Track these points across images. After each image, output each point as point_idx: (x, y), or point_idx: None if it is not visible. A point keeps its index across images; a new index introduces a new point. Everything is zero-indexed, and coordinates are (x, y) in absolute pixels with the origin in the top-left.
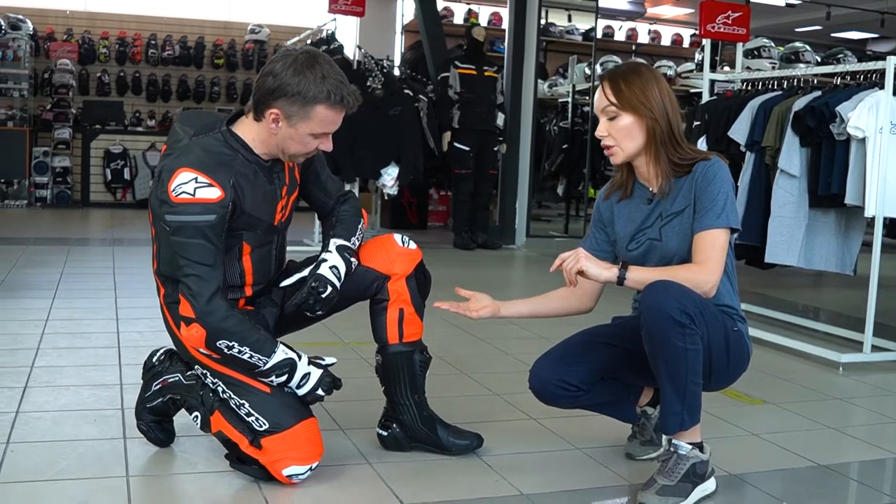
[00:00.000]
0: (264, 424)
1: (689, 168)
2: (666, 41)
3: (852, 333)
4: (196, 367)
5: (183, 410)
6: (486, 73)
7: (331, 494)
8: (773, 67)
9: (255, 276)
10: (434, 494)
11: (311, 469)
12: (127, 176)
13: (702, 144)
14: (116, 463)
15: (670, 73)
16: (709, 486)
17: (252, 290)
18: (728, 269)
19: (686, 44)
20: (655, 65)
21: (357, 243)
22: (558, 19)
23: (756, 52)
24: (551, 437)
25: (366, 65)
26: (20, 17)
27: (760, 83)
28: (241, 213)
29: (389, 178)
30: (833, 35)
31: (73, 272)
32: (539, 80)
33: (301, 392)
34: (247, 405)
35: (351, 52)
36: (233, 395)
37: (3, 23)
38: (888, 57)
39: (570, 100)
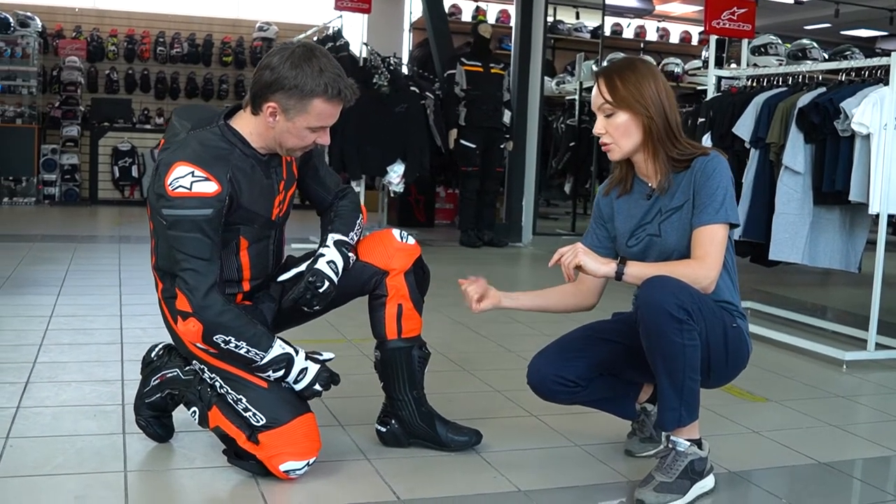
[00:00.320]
0: (261, 420)
1: (687, 163)
2: (674, 38)
3: (857, 331)
4: (194, 362)
5: (181, 406)
6: (493, 71)
7: (328, 490)
8: (781, 64)
9: (253, 271)
10: (431, 490)
11: (308, 464)
12: (135, 173)
13: (706, 141)
14: (115, 458)
15: (677, 70)
16: (707, 483)
17: (250, 285)
18: (728, 264)
19: (695, 41)
20: (663, 62)
21: (355, 238)
22: (566, 17)
23: (763, 49)
24: (551, 434)
25: (372, 62)
26: (29, 14)
27: (765, 79)
28: (238, 207)
29: (395, 175)
30: (842, 33)
31: (79, 269)
32: (547, 78)
33: (298, 387)
34: (244, 400)
35: (357, 49)
36: (230, 391)
37: (12, 20)
38: (893, 53)
39: (577, 97)
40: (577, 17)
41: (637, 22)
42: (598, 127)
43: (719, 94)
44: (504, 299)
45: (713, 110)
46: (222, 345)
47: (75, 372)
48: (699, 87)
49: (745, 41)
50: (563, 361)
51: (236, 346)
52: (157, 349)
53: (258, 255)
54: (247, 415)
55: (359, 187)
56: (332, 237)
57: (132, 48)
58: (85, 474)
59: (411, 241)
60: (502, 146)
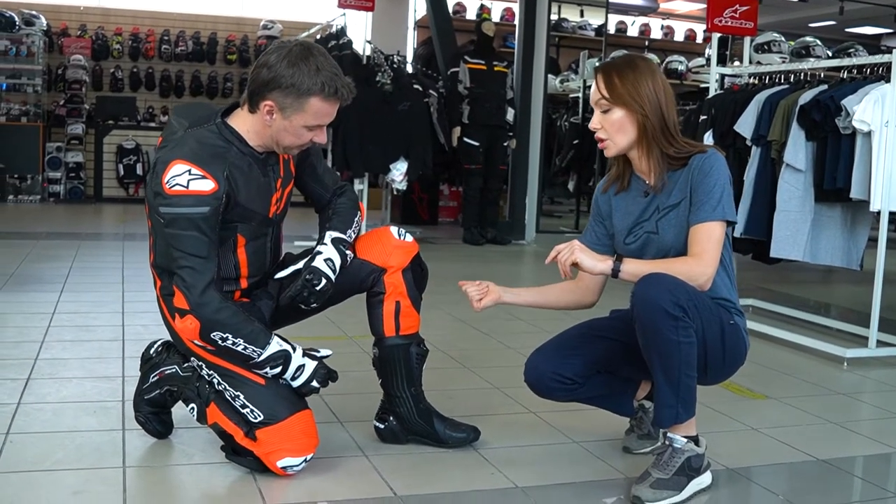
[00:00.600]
0: (259, 416)
1: (685, 161)
2: (679, 36)
3: (858, 328)
4: (192, 358)
5: (180, 402)
6: (496, 69)
7: (325, 486)
8: (784, 62)
9: (251, 269)
10: (428, 487)
11: (305, 461)
12: (139, 171)
13: (708, 138)
14: (114, 454)
15: (681, 68)
16: (704, 479)
17: (247, 283)
18: (725, 262)
19: (699, 39)
20: (667, 60)
21: (353, 236)
22: (571, 15)
23: (766, 47)
24: (549, 431)
25: (375, 60)
26: (34, 12)
27: (768, 77)
28: (235, 205)
29: (398, 173)
30: (847, 30)
31: (83, 266)
32: (551, 76)
33: (296, 384)
34: (242, 397)
35: (360, 47)
36: (228, 387)
37: (17, 18)
38: (894, 50)
39: (581, 95)
40: (582, 15)
41: (642, 20)
42: (595, 122)
43: (721, 91)
44: (504, 294)
45: (715, 108)
46: (220, 342)
47: (76, 368)
48: (703, 85)
49: (747, 39)
50: (561, 359)
51: (233, 343)
52: (155, 346)
53: (256, 253)
54: (244, 411)
55: (362, 185)
56: (330, 235)
57: (137, 46)
58: (84, 470)
59: (409, 238)
60: (506, 144)
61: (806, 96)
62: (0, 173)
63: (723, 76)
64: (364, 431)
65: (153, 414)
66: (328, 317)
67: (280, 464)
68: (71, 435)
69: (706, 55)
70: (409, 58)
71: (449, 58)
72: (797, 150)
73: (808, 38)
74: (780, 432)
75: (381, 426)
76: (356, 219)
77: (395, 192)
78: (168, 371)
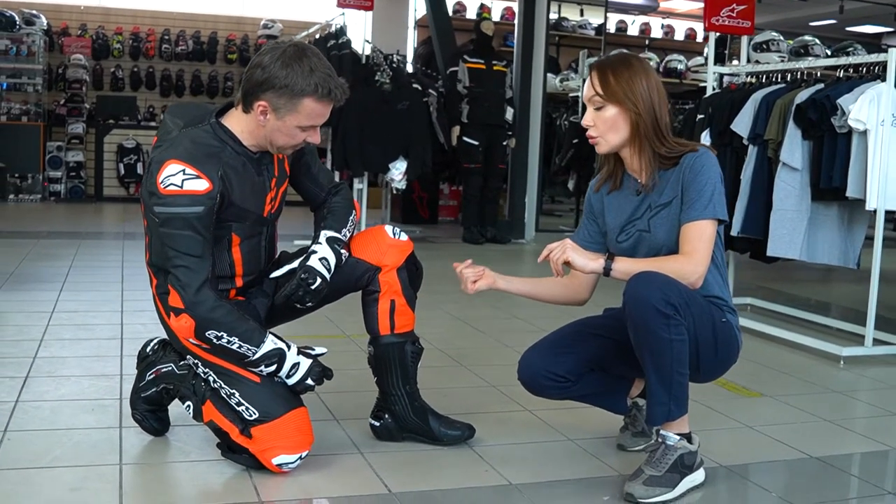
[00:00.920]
0: (254, 414)
1: (676, 160)
2: (679, 35)
3: (855, 327)
4: (188, 356)
5: (177, 400)
6: (496, 68)
7: (320, 483)
8: (783, 61)
9: (245, 267)
10: (423, 484)
11: (300, 458)
12: (140, 170)
13: (706, 137)
14: (111, 451)
15: (681, 67)
16: (697, 477)
17: (242, 281)
18: (717, 260)
19: (699, 38)
20: (666, 59)
21: (348, 235)
22: (571, 14)
23: (765, 46)
24: (544, 429)
25: (374, 59)
26: (34, 12)
27: (765, 76)
28: (229, 204)
29: (397, 172)
30: (847, 29)
31: (83, 265)
32: (550, 75)
33: (291, 382)
34: (237, 395)
35: (360, 46)
36: (223, 385)
37: (17, 18)
38: (889, 49)
39: (581, 94)
40: (582, 14)
41: (642, 19)
42: (588, 119)
43: (718, 90)
44: (498, 280)
45: (712, 107)
46: (214, 340)
47: (75, 367)
48: (702, 84)
49: (744, 38)
50: (553, 357)
51: (228, 342)
52: (152, 344)
53: (250, 252)
54: (240, 409)
55: (361, 184)
56: (325, 234)
57: (137, 46)
58: (81, 467)
59: (404, 237)
60: (505, 143)
61: (802, 95)
62: (1, 172)
63: (721, 75)
64: (360, 429)
65: (150, 412)
66: (327, 315)
67: (275, 461)
68: (69, 432)
69: (705, 54)
70: (410, 57)
71: (448, 57)
72: (793, 148)
73: (807, 37)
74: (775, 430)
75: (377, 424)
76: (351, 218)
77: (394, 192)
78: (164, 369)
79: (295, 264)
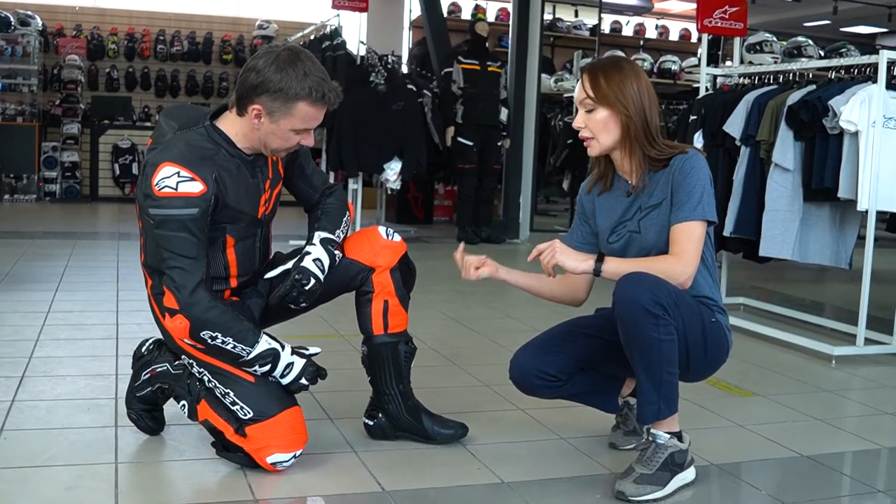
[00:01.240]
0: (249, 413)
1: (666, 162)
2: (674, 36)
3: (847, 327)
4: (183, 356)
5: (172, 399)
6: (490, 69)
7: (314, 481)
8: (776, 62)
9: (240, 268)
10: (416, 482)
11: (294, 457)
12: (135, 171)
13: (698, 138)
14: (106, 450)
15: (675, 67)
16: (688, 475)
17: (237, 282)
18: (707, 261)
19: (694, 38)
20: (660, 59)
21: (341, 236)
22: (565, 15)
23: (758, 47)
24: (537, 427)
25: (369, 60)
26: (29, 13)
27: (757, 77)
28: (223, 206)
29: (392, 172)
30: (842, 29)
31: (78, 265)
32: (545, 76)
33: (285, 381)
34: (231, 394)
35: (355, 47)
36: (218, 385)
37: (12, 18)
38: (880, 51)
39: (574, 95)
40: (576, 15)
41: (637, 19)
42: (578, 121)
43: (711, 92)
44: (501, 270)
45: (705, 108)
46: (209, 340)
47: (70, 366)
48: (695, 85)
49: (737, 39)
50: (544, 356)
51: (223, 342)
52: (147, 344)
53: (245, 253)
54: (234, 408)
55: (356, 185)
56: (319, 235)
57: (132, 46)
58: (77, 466)
59: (397, 238)
60: (499, 143)
61: (794, 97)
62: None
63: (714, 77)
64: (353, 428)
65: (145, 411)
66: (321, 315)
67: (270, 460)
68: (64, 432)
69: (699, 55)
70: (405, 58)
71: (443, 58)
72: (785, 149)
73: (801, 38)
74: (766, 429)
75: (371, 423)
76: (345, 219)
77: (389, 192)
78: (159, 369)
79: (289, 265)
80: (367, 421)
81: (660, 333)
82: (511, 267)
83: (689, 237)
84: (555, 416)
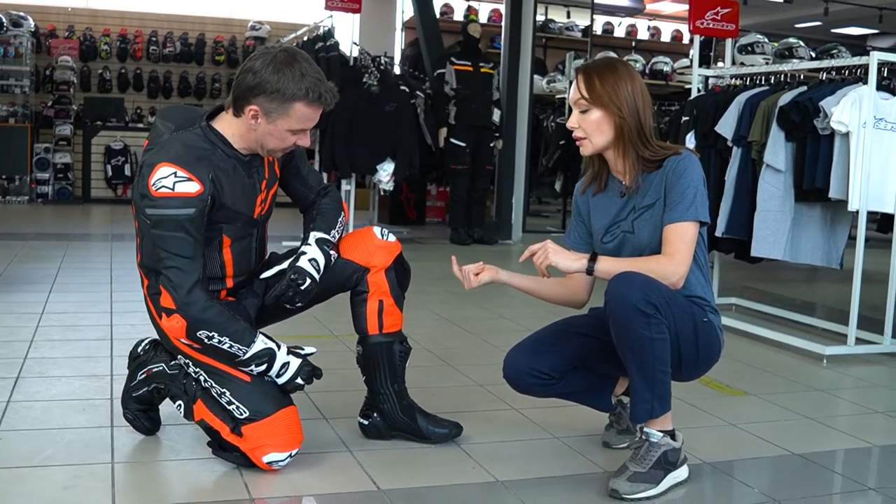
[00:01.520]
0: (245, 412)
1: (660, 163)
2: (666, 37)
3: (838, 326)
4: (179, 356)
5: (167, 399)
6: (483, 70)
7: (310, 481)
8: (768, 63)
9: (236, 268)
10: (411, 481)
11: (290, 456)
12: (128, 172)
13: (690, 139)
14: (103, 450)
15: (667, 68)
16: (681, 473)
17: (233, 282)
18: (700, 261)
19: (686, 40)
20: (653, 60)
21: (337, 236)
22: (558, 16)
23: (750, 48)
24: (531, 427)
25: (362, 61)
26: (22, 13)
27: (749, 78)
28: (220, 206)
29: (385, 173)
30: (833, 31)
31: (71, 266)
32: (537, 77)
33: (281, 381)
34: (228, 394)
35: (347, 48)
36: (214, 384)
37: (4, 20)
38: (871, 52)
39: (567, 96)
40: (569, 17)
41: (628, 21)
42: (573, 121)
43: (703, 93)
44: (501, 273)
45: (697, 109)
46: (206, 340)
47: (65, 367)
48: (687, 86)
49: (729, 40)
50: (537, 355)
51: (219, 342)
52: (143, 344)
53: (241, 253)
54: (231, 408)
55: (349, 186)
56: (314, 235)
57: (125, 47)
58: (73, 465)
59: (392, 238)
60: (492, 144)
61: (785, 98)
62: None
63: (706, 78)
64: (348, 427)
65: (141, 411)
66: (315, 316)
67: (266, 459)
68: (60, 432)
69: (690, 56)
70: (397, 59)
71: (435, 59)
72: (777, 150)
73: (792, 40)
74: (758, 428)
75: (365, 422)
76: (340, 219)
77: (382, 193)
78: (155, 369)
79: (285, 265)
80: (361, 420)
81: (651, 332)
82: (506, 268)
83: (682, 237)
84: (548, 415)
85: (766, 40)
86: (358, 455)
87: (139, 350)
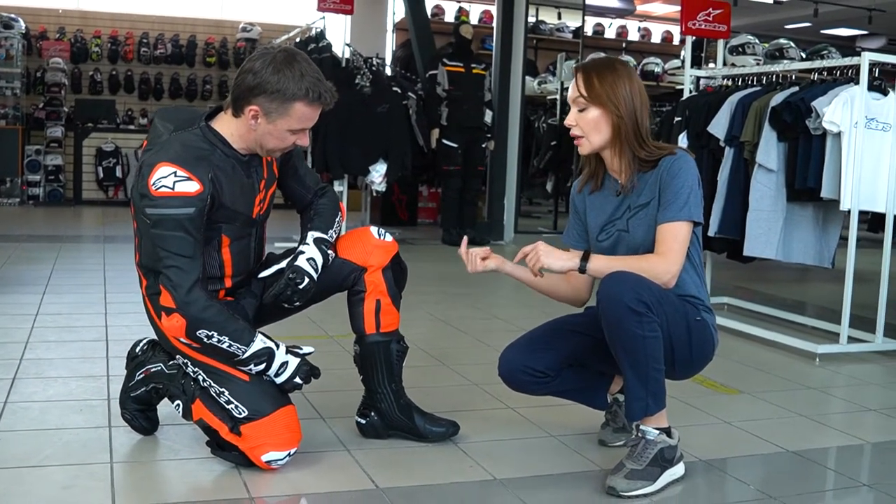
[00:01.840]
0: (243, 412)
1: (655, 163)
2: (656, 38)
3: (830, 325)
4: (177, 356)
5: (166, 399)
6: (475, 71)
7: (309, 480)
8: (758, 64)
9: (235, 268)
10: (409, 479)
11: (289, 455)
12: (119, 174)
13: (683, 140)
14: (101, 450)
15: (657, 69)
16: (677, 470)
17: (231, 282)
18: (694, 260)
19: (676, 41)
20: (643, 61)
21: (334, 236)
22: (548, 17)
23: (741, 49)
24: (527, 425)
25: (354, 63)
26: (12, 15)
27: (741, 79)
28: (219, 206)
29: (378, 175)
30: (822, 32)
31: (64, 268)
32: (528, 78)
33: (279, 380)
34: (226, 393)
35: (340, 50)
36: (213, 384)
37: None
38: (862, 53)
39: (558, 97)
40: (559, 18)
41: (619, 22)
42: (571, 119)
43: (695, 93)
44: (507, 264)
45: (689, 109)
46: (205, 339)
47: (61, 368)
48: (678, 87)
49: (721, 41)
50: (532, 353)
51: (219, 341)
52: (141, 344)
53: (240, 253)
54: (229, 407)
55: (341, 187)
56: (312, 235)
57: (116, 49)
58: (72, 465)
59: (389, 238)
60: (484, 145)
61: (777, 98)
62: None
63: (697, 78)
64: (346, 427)
65: (139, 411)
66: (310, 316)
67: (264, 458)
68: (58, 432)
69: (682, 57)
70: (388, 60)
71: (427, 60)
72: (769, 150)
73: (782, 40)
74: (752, 425)
75: (363, 421)
76: (337, 219)
77: (374, 194)
78: (154, 369)
79: (283, 265)
80: (359, 419)
81: (644, 330)
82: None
83: (675, 237)
84: (544, 414)
85: (757, 41)
86: (356, 454)
87: (137, 350)
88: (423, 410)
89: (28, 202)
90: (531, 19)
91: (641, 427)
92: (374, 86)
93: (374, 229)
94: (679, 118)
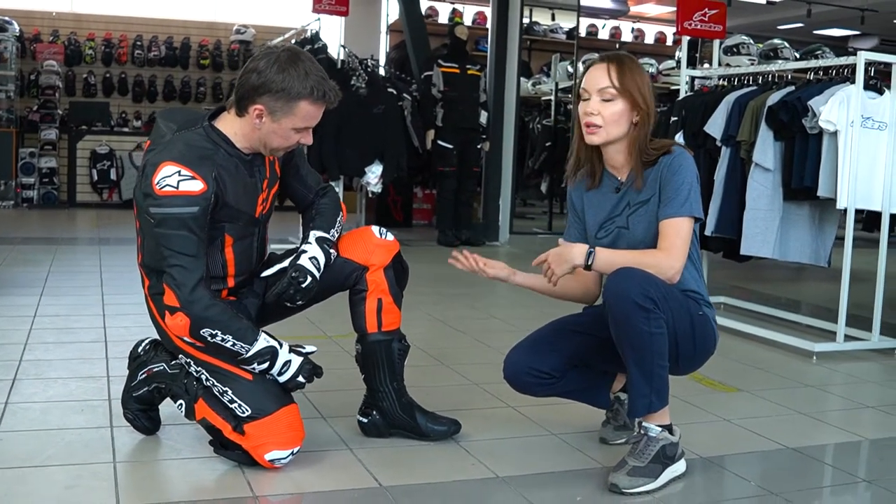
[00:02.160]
0: (247, 410)
1: (655, 160)
2: (650, 39)
3: (827, 324)
4: (180, 356)
5: (168, 399)
6: (470, 72)
7: (312, 478)
8: (753, 64)
9: (238, 267)
10: (412, 477)
11: (292, 454)
12: (113, 176)
13: (679, 139)
14: (104, 450)
15: (652, 70)
16: (679, 467)
17: (234, 281)
18: (693, 256)
19: (669, 41)
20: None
21: (336, 235)
22: (542, 18)
23: (735, 49)
24: (528, 424)
25: (349, 64)
26: (6, 18)
27: (736, 79)
28: (223, 205)
29: (373, 176)
30: (815, 32)
31: (61, 270)
32: (523, 79)
33: (282, 379)
34: (230, 392)
35: (335, 51)
36: (216, 383)
37: None
38: (858, 52)
39: (553, 98)
40: (553, 19)
41: (612, 23)
42: (593, 107)
43: (691, 93)
44: (517, 275)
45: (685, 109)
46: (209, 338)
47: (61, 369)
48: (673, 87)
49: (716, 41)
50: (537, 354)
51: (222, 340)
52: (143, 344)
53: (242, 252)
54: (232, 406)
55: (337, 188)
56: (314, 234)
57: (110, 52)
58: (75, 465)
59: (390, 237)
60: (479, 146)
61: (774, 97)
62: None
63: (693, 78)
64: (347, 426)
65: (141, 411)
66: (308, 317)
67: (268, 457)
68: (60, 433)
69: (676, 57)
70: (382, 61)
71: (422, 61)
72: (766, 149)
73: (776, 41)
74: (751, 423)
75: (365, 420)
76: (339, 219)
77: (369, 195)
78: (156, 368)
79: (285, 264)
80: (361, 418)
81: (650, 327)
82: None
83: (678, 233)
84: (545, 412)
85: (752, 41)
86: (358, 453)
87: (139, 350)
88: (424, 409)
89: (22, 205)
90: (525, 20)
91: (644, 424)
92: (370, 87)
93: (375, 229)
94: (675, 118)
